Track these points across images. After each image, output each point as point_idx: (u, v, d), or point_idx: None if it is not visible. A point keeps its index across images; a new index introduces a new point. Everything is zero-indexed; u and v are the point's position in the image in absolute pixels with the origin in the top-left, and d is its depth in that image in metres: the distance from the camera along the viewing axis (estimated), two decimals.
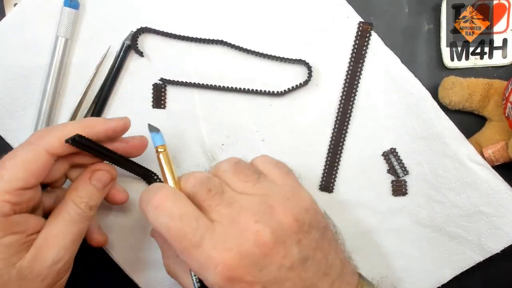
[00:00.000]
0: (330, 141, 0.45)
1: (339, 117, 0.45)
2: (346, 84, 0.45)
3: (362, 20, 0.45)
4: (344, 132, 0.45)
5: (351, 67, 0.45)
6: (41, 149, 0.35)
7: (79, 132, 0.36)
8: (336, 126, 0.45)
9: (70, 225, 0.37)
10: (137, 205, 0.45)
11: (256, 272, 0.31)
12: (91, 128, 0.37)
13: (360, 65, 0.45)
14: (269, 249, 0.32)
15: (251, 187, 0.34)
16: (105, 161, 0.40)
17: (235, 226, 0.32)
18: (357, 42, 0.45)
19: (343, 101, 0.45)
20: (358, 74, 0.45)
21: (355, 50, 0.45)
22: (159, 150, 0.37)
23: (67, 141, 0.35)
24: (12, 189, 0.34)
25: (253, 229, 0.32)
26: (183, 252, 0.32)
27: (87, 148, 0.37)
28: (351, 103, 0.45)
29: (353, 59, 0.45)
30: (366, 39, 0.45)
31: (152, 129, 0.38)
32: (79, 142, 0.36)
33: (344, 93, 0.45)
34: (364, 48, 0.45)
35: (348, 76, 0.45)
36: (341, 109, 0.45)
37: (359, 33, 0.45)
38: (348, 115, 0.45)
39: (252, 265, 0.31)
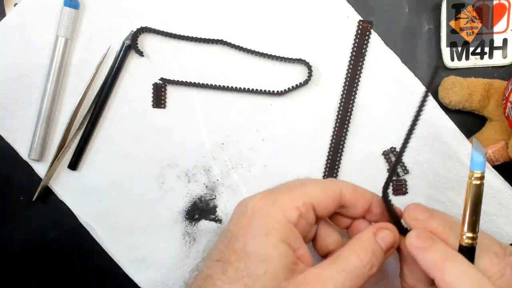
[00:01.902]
0: (331, 141, 0.45)
1: (339, 116, 0.45)
2: (346, 83, 0.45)
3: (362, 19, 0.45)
4: (344, 131, 0.45)
5: (351, 66, 0.45)
6: (339, 188, 0.35)
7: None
8: (337, 125, 0.45)
9: (343, 275, 0.33)
10: (137, 206, 0.46)
11: None
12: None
13: (360, 64, 0.45)
14: None
15: None
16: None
17: None
18: (357, 41, 0.45)
19: (343, 100, 0.45)
20: (358, 73, 0.45)
21: (355, 49, 0.45)
22: (475, 177, 0.29)
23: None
24: (306, 201, 0.34)
25: None
26: None
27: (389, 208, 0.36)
28: (351, 102, 0.45)
29: (353, 57, 0.45)
30: (366, 38, 0.45)
31: (477, 147, 0.30)
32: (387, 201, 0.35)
33: (345, 92, 0.45)
34: (364, 47, 0.45)
35: (348, 75, 0.45)
36: (341, 108, 0.45)
37: (359, 31, 0.45)
38: (348, 114, 0.45)
39: None
